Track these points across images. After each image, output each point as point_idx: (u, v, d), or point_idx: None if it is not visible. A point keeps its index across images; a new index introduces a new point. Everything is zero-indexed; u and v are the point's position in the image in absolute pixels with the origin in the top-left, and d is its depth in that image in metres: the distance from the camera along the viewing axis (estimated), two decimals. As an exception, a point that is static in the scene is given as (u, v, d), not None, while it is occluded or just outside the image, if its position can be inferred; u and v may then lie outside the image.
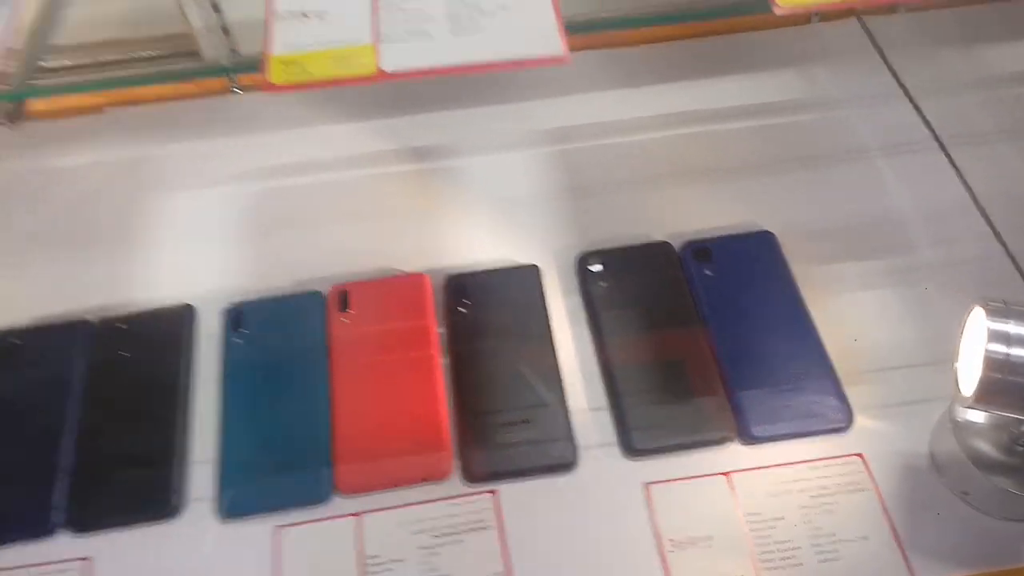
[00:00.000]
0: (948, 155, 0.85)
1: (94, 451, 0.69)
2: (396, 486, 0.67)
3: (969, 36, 0.95)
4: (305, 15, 0.56)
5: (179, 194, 0.87)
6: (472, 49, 0.54)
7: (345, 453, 0.68)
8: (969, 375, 0.57)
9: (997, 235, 0.80)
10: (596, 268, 0.76)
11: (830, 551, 0.63)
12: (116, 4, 0.87)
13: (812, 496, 0.66)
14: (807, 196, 0.83)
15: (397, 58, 0.53)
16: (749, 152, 0.88)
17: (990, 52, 0.95)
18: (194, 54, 0.93)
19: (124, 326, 0.76)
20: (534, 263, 0.78)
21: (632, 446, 0.67)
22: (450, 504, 0.66)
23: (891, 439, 0.68)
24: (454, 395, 0.71)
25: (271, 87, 0.53)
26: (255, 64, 0.87)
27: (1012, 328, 0.55)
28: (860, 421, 0.69)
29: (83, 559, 0.64)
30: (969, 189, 0.83)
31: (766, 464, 0.67)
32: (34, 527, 0.65)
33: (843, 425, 0.68)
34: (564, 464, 0.67)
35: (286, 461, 0.68)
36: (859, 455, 0.67)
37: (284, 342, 0.74)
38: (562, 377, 0.71)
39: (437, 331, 0.74)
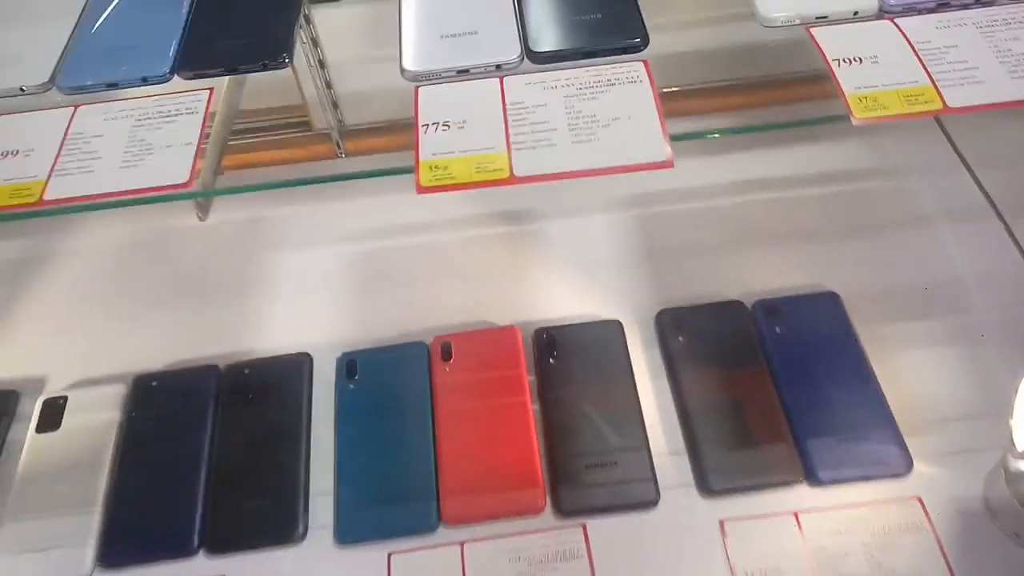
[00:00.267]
0: (1005, 223, 0.89)
1: (227, 482, 0.77)
2: (496, 518, 0.74)
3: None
4: (447, 125, 0.64)
5: (293, 252, 0.96)
6: (590, 156, 0.60)
7: (450, 488, 0.75)
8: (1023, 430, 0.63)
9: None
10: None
11: (891, 586, 0.69)
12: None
13: (873, 535, 0.71)
14: (870, 259, 0.88)
15: (527, 164, 0.60)
16: (817, 217, 0.93)
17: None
18: (305, 123, 1.03)
19: (248, 371, 0.84)
20: (616, 318, 0.85)
21: (709, 487, 0.74)
22: (544, 536, 0.72)
23: (948, 484, 0.73)
24: (545, 438, 0.78)
25: (421, 189, 0.60)
26: (359, 132, 0.97)
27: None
28: (919, 467, 0.73)
29: (219, 577, 0.73)
30: (1025, 256, 0.87)
31: (831, 505, 0.72)
32: (179, 548, 0.74)
33: (903, 471, 0.73)
34: (647, 502, 0.74)
35: (396, 494, 0.75)
36: (918, 498, 0.72)
37: (392, 388, 0.82)
38: (644, 423, 0.77)
39: (528, 379, 0.82)
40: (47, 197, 0.61)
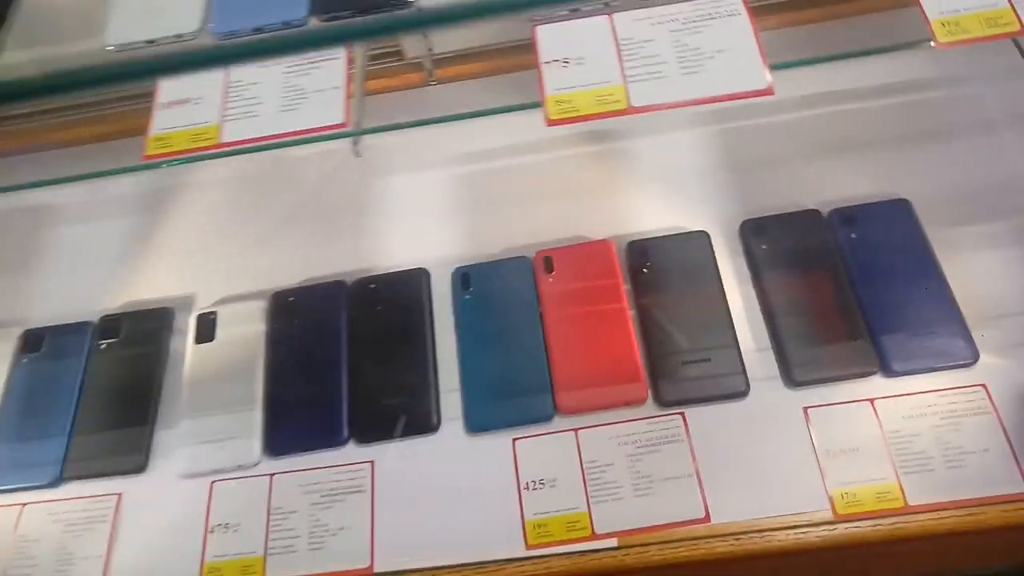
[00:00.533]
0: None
1: (367, 382, 0.88)
2: (604, 408, 0.84)
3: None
4: (566, 62, 0.71)
5: (400, 177, 1.05)
6: (698, 86, 0.67)
7: (562, 382, 0.85)
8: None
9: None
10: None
11: (956, 460, 0.77)
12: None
13: (942, 418, 0.79)
14: (939, 166, 0.93)
15: (643, 95, 0.67)
16: (888, 127, 0.98)
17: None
18: (397, 52, 1.10)
19: (373, 286, 0.94)
20: (703, 229, 0.93)
21: (793, 378, 0.83)
22: (648, 423, 0.83)
23: (1010, 373, 0.81)
24: (643, 338, 0.87)
25: (551, 122, 0.67)
26: (449, 60, 1.02)
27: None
28: (984, 358, 0.81)
29: (368, 462, 0.84)
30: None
31: (904, 392, 0.81)
32: (332, 438, 0.85)
33: (969, 361, 0.81)
34: (738, 393, 0.83)
35: (516, 389, 0.85)
36: (983, 385, 0.80)
37: (503, 297, 0.91)
38: (733, 323, 0.86)
39: (624, 287, 0.90)
40: (223, 139, 0.70)
